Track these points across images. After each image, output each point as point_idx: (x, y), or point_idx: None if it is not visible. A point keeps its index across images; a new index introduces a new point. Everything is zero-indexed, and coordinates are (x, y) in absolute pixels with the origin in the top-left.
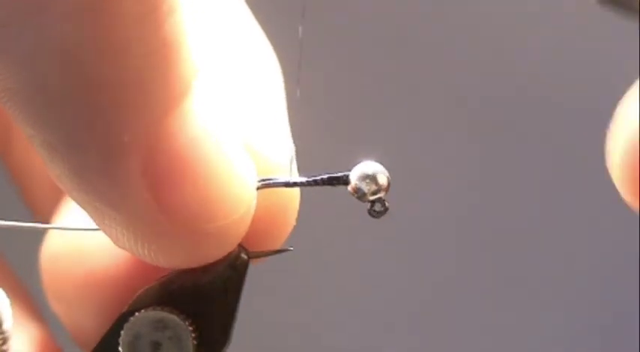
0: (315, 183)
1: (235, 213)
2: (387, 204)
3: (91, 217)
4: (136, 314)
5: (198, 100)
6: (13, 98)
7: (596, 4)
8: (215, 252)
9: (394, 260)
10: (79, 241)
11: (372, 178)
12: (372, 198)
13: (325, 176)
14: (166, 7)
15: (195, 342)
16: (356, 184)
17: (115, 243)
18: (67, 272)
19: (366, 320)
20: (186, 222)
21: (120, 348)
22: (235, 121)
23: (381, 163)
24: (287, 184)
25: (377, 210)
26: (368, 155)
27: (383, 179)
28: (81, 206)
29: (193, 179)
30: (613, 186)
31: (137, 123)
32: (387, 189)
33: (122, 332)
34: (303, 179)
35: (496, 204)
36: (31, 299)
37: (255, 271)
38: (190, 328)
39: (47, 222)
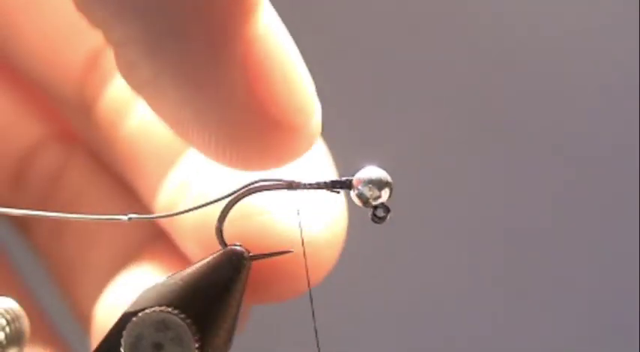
0: (318, 186)
1: (313, 111)
2: (389, 209)
3: (181, 125)
4: (139, 315)
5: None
6: None
7: None
8: (294, 150)
9: (395, 262)
10: None
11: (375, 184)
12: (374, 203)
13: (328, 180)
14: None
15: (196, 343)
16: (359, 189)
17: (199, 148)
18: None
19: (366, 320)
20: (278, 115)
21: (122, 349)
22: None
23: (384, 168)
24: (290, 187)
25: (379, 215)
26: (371, 160)
27: (386, 185)
28: (173, 116)
29: (284, 74)
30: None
31: (237, 15)
32: (389, 195)
33: (124, 333)
34: (307, 182)
35: (499, 208)
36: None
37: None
38: (192, 329)
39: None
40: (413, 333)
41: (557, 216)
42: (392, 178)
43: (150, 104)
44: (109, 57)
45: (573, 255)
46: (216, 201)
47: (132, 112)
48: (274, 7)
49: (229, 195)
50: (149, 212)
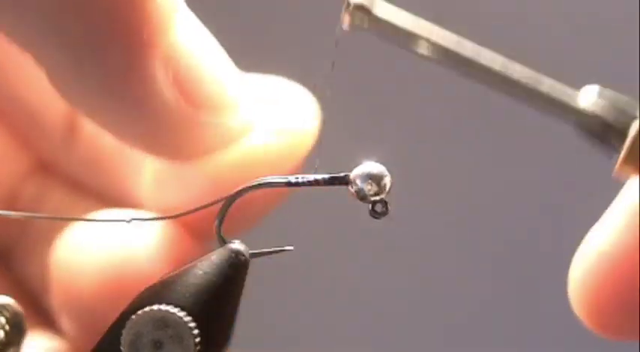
0: (317, 182)
1: (230, 108)
2: (388, 205)
3: (115, 129)
4: (138, 313)
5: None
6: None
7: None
8: (214, 142)
9: (395, 260)
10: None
11: (373, 179)
12: (373, 199)
13: (327, 176)
14: None
15: (196, 341)
16: (357, 185)
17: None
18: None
19: (365, 320)
20: (210, 110)
21: (121, 347)
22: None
23: (383, 164)
24: (288, 183)
25: (378, 210)
26: (369, 155)
27: (384, 180)
28: (104, 122)
29: (210, 72)
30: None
31: (153, 20)
32: (388, 191)
33: (124, 331)
34: (304, 178)
35: (498, 205)
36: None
37: (255, 269)
38: (191, 327)
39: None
40: (412, 331)
41: (557, 216)
42: (390, 173)
43: (86, 116)
44: None
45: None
46: (216, 202)
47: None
48: (270, 5)
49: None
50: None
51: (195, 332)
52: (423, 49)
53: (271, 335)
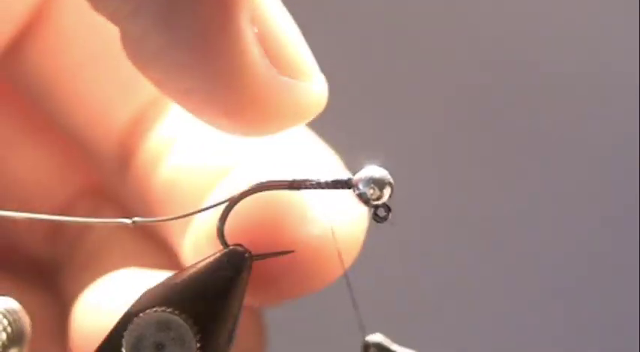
0: (319, 185)
1: (311, 74)
2: (390, 209)
3: (188, 96)
4: (140, 315)
5: None
6: None
7: None
8: (297, 109)
9: (396, 262)
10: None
11: (376, 183)
12: (375, 203)
13: (329, 179)
14: None
15: (198, 343)
16: (360, 189)
17: (206, 117)
18: None
19: (365, 321)
20: (293, 73)
21: (123, 349)
22: None
23: (385, 167)
24: (291, 186)
25: (380, 215)
26: (372, 159)
27: (387, 184)
28: (179, 88)
29: (293, 38)
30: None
31: None
32: (390, 195)
33: (126, 333)
34: (307, 181)
35: (499, 208)
36: None
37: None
38: (193, 329)
39: None
40: (412, 332)
41: (557, 216)
42: (393, 177)
43: (155, 80)
44: (151, 112)
45: (573, 255)
46: (219, 203)
47: (164, 162)
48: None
49: (231, 197)
50: (177, 256)
51: (197, 334)
52: None
53: (272, 337)
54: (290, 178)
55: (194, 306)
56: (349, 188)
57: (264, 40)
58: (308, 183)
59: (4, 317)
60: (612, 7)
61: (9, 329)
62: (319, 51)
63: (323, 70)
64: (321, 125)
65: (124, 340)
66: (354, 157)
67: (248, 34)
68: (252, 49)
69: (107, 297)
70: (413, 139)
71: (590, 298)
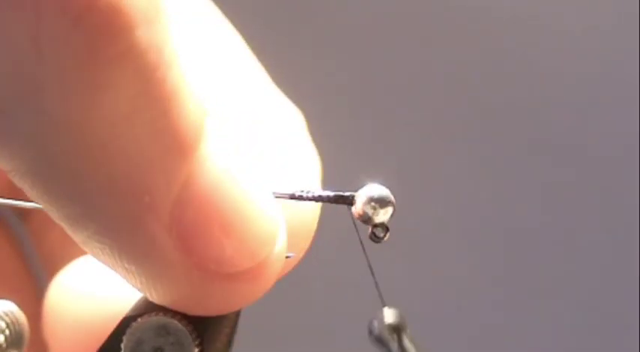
0: (321, 198)
1: (271, 246)
2: (388, 229)
3: (120, 276)
4: (139, 319)
5: (212, 142)
6: (24, 177)
7: None
8: (257, 290)
9: (397, 276)
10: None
11: (378, 203)
12: (375, 222)
13: (331, 193)
14: (163, 67)
15: (197, 348)
16: (361, 208)
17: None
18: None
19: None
20: (222, 269)
21: None
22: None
23: (387, 185)
24: (292, 197)
25: (378, 235)
26: (375, 175)
27: (388, 204)
28: (110, 268)
29: (222, 225)
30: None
31: (155, 183)
32: (391, 215)
33: (124, 338)
34: (310, 193)
35: (501, 214)
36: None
37: None
38: (192, 334)
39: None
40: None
41: (557, 216)
42: (395, 197)
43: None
44: None
45: (573, 255)
46: None
47: None
48: (276, 18)
49: None
50: None
51: (196, 339)
52: None
53: (272, 340)
54: (291, 190)
55: None
56: (350, 205)
57: (184, 239)
58: (310, 195)
59: (2, 319)
60: (612, 7)
61: (7, 332)
62: (322, 65)
63: (325, 84)
64: (322, 139)
65: (122, 344)
66: (355, 171)
67: (159, 241)
68: (164, 253)
69: (81, 279)
70: (419, 154)
71: (591, 298)
